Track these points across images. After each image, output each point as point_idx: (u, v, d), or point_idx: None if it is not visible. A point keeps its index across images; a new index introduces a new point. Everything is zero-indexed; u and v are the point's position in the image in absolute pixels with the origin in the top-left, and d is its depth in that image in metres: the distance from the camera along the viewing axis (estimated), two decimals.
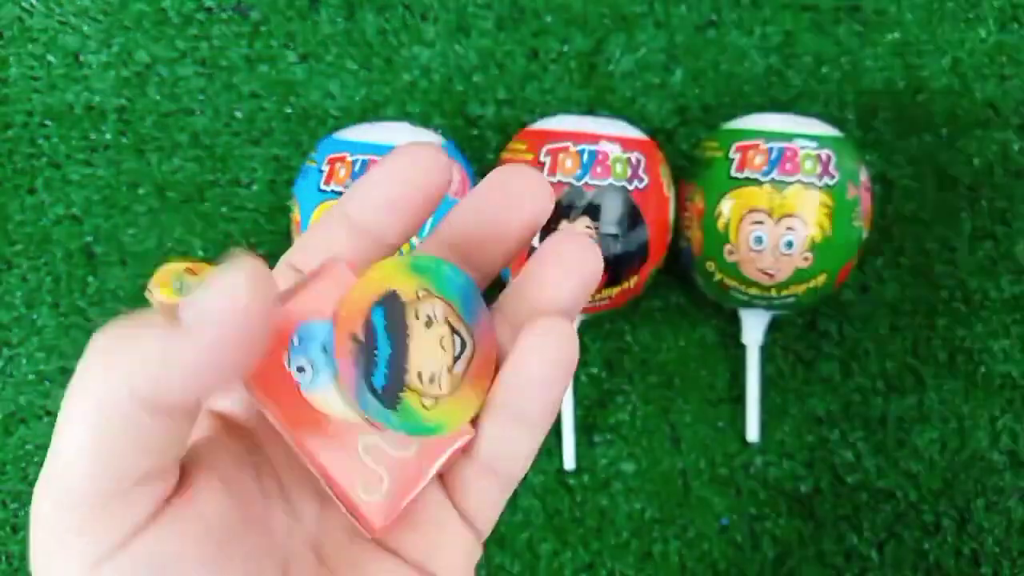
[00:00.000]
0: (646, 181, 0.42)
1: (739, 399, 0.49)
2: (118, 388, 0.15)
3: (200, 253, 0.50)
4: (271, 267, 0.18)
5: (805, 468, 0.49)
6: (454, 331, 0.19)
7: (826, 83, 0.50)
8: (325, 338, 0.18)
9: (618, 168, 0.41)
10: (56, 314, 0.50)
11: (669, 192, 0.44)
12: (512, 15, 0.50)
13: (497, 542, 0.48)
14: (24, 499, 0.50)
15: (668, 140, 0.49)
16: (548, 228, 0.41)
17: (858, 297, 0.50)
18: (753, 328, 0.47)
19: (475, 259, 0.21)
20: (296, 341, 0.18)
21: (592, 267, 0.20)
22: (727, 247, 0.42)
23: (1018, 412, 0.49)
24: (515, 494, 0.48)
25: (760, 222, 0.42)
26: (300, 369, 0.18)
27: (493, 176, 0.21)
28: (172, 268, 0.52)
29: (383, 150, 0.42)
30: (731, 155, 0.42)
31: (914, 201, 0.50)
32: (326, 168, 0.43)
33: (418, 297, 0.19)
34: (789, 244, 0.41)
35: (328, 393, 0.18)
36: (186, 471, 0.18)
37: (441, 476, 0.21)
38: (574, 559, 0.48)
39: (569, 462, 0.48)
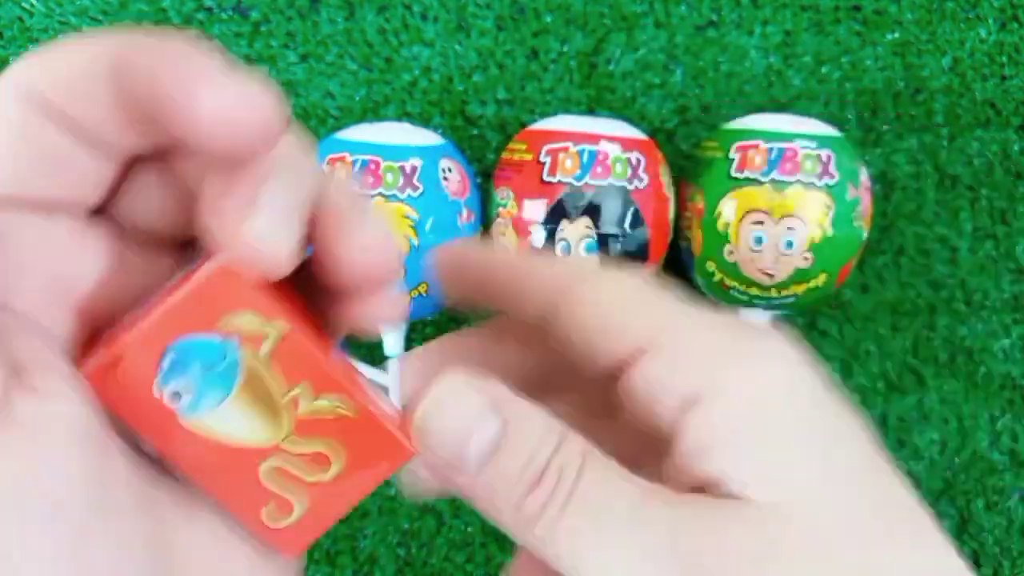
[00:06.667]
0: (646, 181, 0.42)
1: None
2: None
3: None
4: None
5: None
6: None
7: (826, 83, 0.50)
8: (208, 355, 0.15)
9: (618, 168, 0.41)
10: None
11: (669, 192, 0.44)
12: (512, 15, 0.50)
13: (497, 542, 0.48)
14: None
15: (668, 140, 0.49)
16: (550, 230, 0.41)
17: (858, 297, 0.50)
18: None
19: None
20: (167, 365, 0.15)
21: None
22: (727, 247, 0.42)
23: (1018, 412, 0.49)
24: None
25: (760, 222, 0.42)
26: (176, 395, 0.15)
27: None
28: None
29: (383, 150, 0.42)
30: (731, 155, 0.42)
31: (914, 201, 0.50)
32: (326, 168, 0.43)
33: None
34: (789, 244, 0.41)
35: (217, 416, 0.16)
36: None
37: None
38: None
39: None
